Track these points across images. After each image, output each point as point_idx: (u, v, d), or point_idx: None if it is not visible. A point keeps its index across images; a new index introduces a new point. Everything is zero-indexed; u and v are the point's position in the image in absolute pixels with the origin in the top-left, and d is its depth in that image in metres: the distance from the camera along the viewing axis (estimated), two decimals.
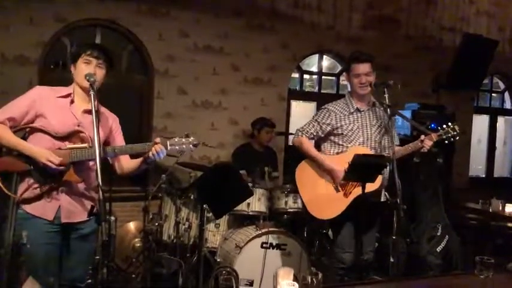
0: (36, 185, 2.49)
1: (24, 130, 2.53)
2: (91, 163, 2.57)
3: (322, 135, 3.49)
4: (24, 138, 2.53)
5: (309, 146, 3.48)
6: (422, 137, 3.34)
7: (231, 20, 5.54)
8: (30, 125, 2.52)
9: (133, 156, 2.75)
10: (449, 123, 3.38)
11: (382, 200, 3.48)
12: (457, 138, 3.37)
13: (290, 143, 5.87)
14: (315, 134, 3.48)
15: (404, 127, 5.36)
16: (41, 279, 2.52)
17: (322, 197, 3.41)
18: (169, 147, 2.59)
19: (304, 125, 3.52)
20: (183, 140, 2.61)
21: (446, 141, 3.37)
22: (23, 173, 2.49)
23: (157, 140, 2.57)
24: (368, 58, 3.42)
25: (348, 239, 3.42)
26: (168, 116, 5.31)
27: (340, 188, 3.38)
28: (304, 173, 3.52)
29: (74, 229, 2.60)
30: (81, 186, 2.59)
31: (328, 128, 3.45)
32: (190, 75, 5.40)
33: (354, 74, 3.41)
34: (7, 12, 4.63)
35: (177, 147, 2.60)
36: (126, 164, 2.76)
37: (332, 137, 3.48)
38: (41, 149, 2.45)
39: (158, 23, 5.22)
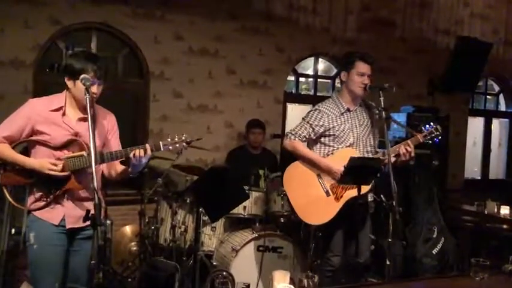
0: (43, 197, 2.55)
1: (25, 144, 2.59)
2: (90, 169, 2.58)
3: (314, 137, 3.45)
4: (27, 150, 2.60)
5: (303, 148, 3.44)
6: (408, 142, 3.28)
7: (226, 23, 5.53)
8: (30, 138, 2.57)
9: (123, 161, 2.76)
10: (431, 123, 3.35)
11: (369, 200, 3.46)
12: (440, 138, 3.35)
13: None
14: (307, 136, 3.44)
15: (400, 129, 5.37)
16: (45, 283, 2.53)
17: (313, 202, 3.36)
18: (162, 147, 2.63)
19: (296, 128, 3.47)
20: (176, 138, 2.66)
21: (430, 141, 3.33)
22: (31, 185, 2.56)
23: (147, 145, 2.59)
24: (373, 61, 3.40)
25: (337, 242, 3.42)
26: (164, 119, 5.29)
27: (331, 192, 3.35)
28: (293, 176, 3.49)
29: (80, 230, 2.65)
30: (84, 192, 2.63)
31: (321, 130, 3.41)
32: (186, 78, 5.39)
33: (358, 72, 3.34)
34: (2, 15, 4.61)
35: (170, 147, 2.65)
36: (114, 167, 2.77)
37: (323, 139, 3.45)
38: (40, 160, 2.51)
39: (153, 26, 5.21)
